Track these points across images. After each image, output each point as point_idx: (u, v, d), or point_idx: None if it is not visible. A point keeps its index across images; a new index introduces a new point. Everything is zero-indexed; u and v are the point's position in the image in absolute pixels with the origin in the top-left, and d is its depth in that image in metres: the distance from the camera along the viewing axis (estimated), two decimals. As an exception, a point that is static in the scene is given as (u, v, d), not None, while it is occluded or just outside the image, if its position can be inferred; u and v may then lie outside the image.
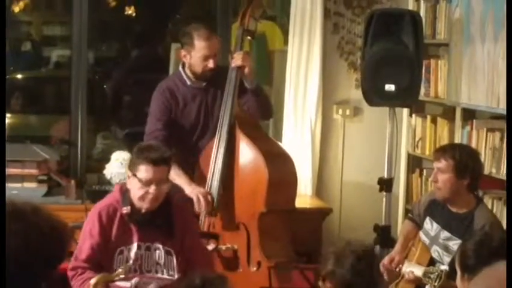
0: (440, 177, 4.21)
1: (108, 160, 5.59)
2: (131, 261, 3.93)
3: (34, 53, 7.52)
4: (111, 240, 3.96)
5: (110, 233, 3.96)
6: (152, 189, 3.91)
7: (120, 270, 3.76)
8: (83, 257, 3.92)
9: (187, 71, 4.86)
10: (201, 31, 4.78)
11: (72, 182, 5.67)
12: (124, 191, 4.02)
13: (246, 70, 4.74)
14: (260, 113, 4.89)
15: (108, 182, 5.51)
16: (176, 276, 3.97)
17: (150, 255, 3.98)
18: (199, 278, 2.78)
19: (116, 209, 3.99)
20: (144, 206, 3.96)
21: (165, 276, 3.98)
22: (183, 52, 4.84)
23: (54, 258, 2.40)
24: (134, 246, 3.96)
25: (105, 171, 5.56)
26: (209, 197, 4.59)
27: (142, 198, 3.94)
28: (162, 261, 3.99)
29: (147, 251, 3.98)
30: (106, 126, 6.92)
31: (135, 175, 3.94)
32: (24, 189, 5.44)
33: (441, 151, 4.31)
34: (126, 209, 3.97)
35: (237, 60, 4.77)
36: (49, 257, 2.36)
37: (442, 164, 4.21)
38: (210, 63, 4.76)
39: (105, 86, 7.39)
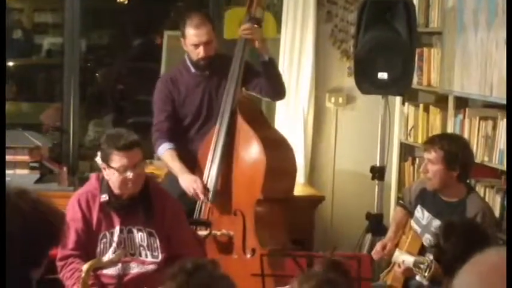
0: (430, 168, 4.22)
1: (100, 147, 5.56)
2: (114, 245, 3.93)
3: (25, 41, 7.47)
4: (93, 226, 3.96)
5: (91, 219, 3.96)
6: (130, 175, 3.89)
7: (113, 256, 3.76)
8: (70, 245, 3.91)
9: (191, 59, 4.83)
10: (192, 19, 4.72)
11: (65, 169, 5.66)
12: (101, 179, 4.01)
13: (257, 43, 4.65)
14: (273, 91, 4.79)
15: (100, 169, 5.49)
16: (160, 257, 3.96)
17: (132, 237, 3.98)
18: (191, 262, 2.78)
19: (95, 195, 3.99)
20: (126, 192, 3.95)
21: (149, 258, 3.97)
22: (182, 40, 4.81)
23: (43, 243, 2.35)
24: (117, 230, 3.96)
25: (97, 159, 5.53)
26: (202, 188, 4.58)
27: (122, 186, 3.92)
28: (145, 243, 3.98)
29: (129, 233, 3.98)
30: (98, 114, 6.91)
31: (109, 166, 3.93)
32: (16, 175, 5.43)
33: (431, 142, 4.31)
34: (104, 197, 3.97)
35: (244, 31, 4.67)
36: (37, 242, 2.31)
37: (431, 155, 4.21)
38: (201, 52, 4.71)
39: (97, 74, 7.36)
